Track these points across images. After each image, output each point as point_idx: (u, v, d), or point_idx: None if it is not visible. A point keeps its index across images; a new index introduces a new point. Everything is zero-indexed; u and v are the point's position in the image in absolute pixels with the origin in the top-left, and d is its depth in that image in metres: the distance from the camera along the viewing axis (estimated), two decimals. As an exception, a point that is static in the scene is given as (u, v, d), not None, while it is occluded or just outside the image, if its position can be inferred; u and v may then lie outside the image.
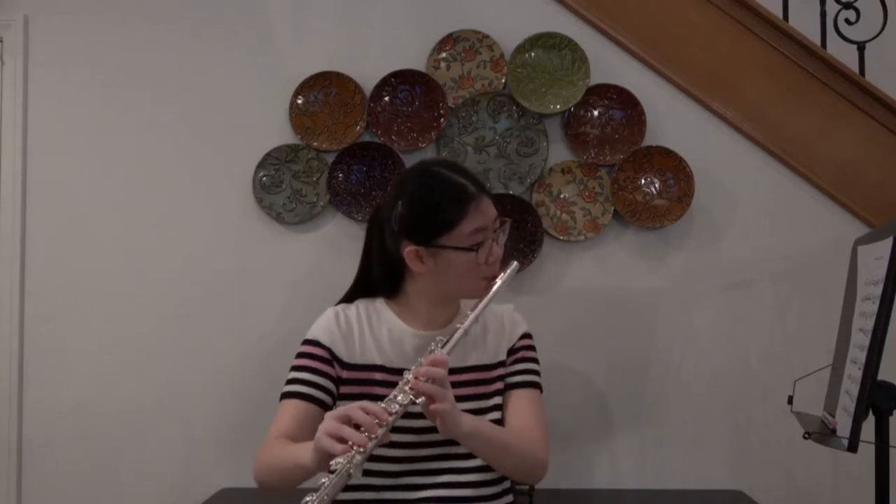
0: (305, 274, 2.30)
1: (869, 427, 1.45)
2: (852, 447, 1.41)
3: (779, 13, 2.34)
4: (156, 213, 2.33)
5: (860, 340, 1.49)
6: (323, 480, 1.24)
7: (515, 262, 1.54)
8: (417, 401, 1.31)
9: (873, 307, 1.44)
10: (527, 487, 1.85)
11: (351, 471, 1.22)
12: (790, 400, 1.76)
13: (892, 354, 1.51)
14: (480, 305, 1.46)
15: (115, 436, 2.31)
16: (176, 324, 2.32)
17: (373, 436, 1.24)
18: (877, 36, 2.36)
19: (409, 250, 1.48)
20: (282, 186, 2.30)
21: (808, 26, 2.35)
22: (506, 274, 1.50)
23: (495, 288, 1.48)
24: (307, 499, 1.24)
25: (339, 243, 2.31)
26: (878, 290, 1.43)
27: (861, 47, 2.38)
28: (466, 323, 1.43)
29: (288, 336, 2.24)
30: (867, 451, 1.47)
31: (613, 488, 2.28)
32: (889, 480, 1.49)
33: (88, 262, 2.33)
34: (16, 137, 2.34)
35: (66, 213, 2.34)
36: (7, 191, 2.34)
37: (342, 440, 1.24)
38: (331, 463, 1.23)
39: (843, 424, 1.47)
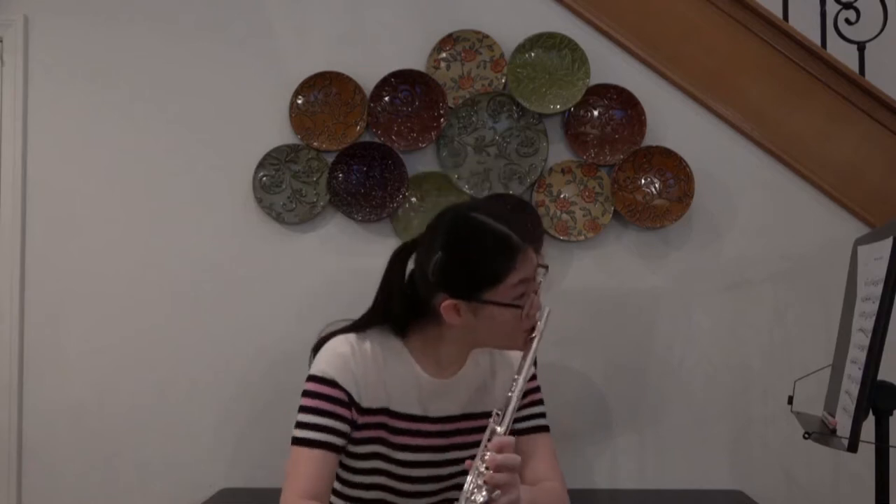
0: (305, 274, 2.30)
1: (869, 427, 1.45)
2: (852, 447, 1.41)
3: (779, 13, 2.34)
4: (156, 213, 2.33)
5: (860, 340, 1.49)
6: None
7: (549, 308, 1.42)
8: (493, 495, 1.25)
9: (873, 307, 1.44)
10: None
11: None
12: (790, 400, 1.76)
13: (892, 354, 1.51)
14: (526, 366, 1.36)
15: (115, 436, 2.31)
16: (175, 323, 2.32)
17: None
18: (877, 36, 2.36)
19: (446, 304, 1.35)
20: (282, 186, 2.30)
21: (808, 26, 2.35)
22: (542, 323, 1.40)
23: (536, 342, 1.38)
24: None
25: (339, 243, 2.31)
26: (878, 290, 1.43)
27: (861, 47, 2.37)
28: (516, 390, 1.33)
29: (288, 336, 2.26)
30: (867, 451, 1.47)
31: (613, 488, 2.28)
32: (889, 480, 1.49)
33: (88, 263, 2.33)
34: (16, 137, 2.34)
35: (66, 213, 2.34)
36: (7, 191, 2.34)
37: None
38: None
39: (843, 424, 1.47)
